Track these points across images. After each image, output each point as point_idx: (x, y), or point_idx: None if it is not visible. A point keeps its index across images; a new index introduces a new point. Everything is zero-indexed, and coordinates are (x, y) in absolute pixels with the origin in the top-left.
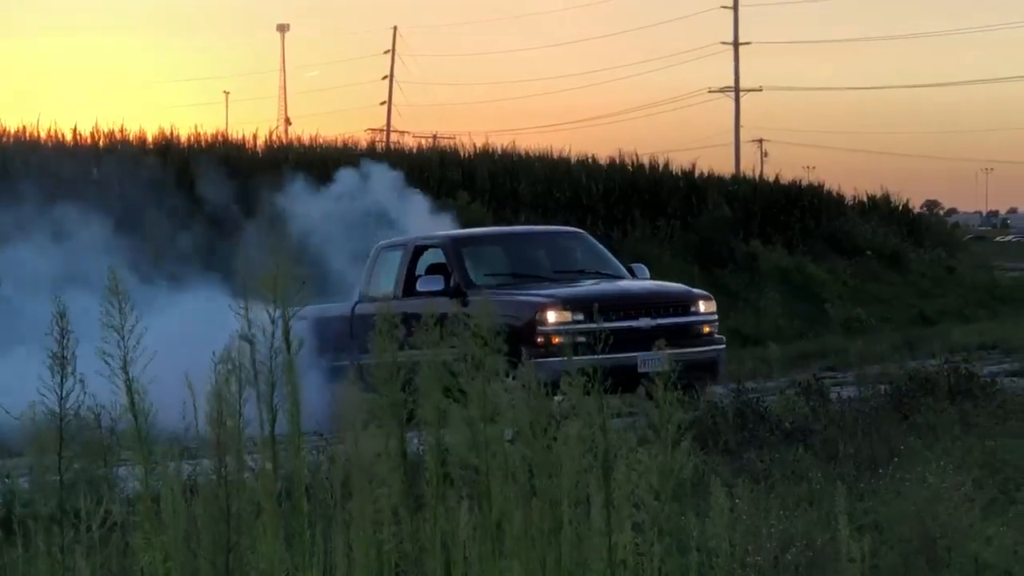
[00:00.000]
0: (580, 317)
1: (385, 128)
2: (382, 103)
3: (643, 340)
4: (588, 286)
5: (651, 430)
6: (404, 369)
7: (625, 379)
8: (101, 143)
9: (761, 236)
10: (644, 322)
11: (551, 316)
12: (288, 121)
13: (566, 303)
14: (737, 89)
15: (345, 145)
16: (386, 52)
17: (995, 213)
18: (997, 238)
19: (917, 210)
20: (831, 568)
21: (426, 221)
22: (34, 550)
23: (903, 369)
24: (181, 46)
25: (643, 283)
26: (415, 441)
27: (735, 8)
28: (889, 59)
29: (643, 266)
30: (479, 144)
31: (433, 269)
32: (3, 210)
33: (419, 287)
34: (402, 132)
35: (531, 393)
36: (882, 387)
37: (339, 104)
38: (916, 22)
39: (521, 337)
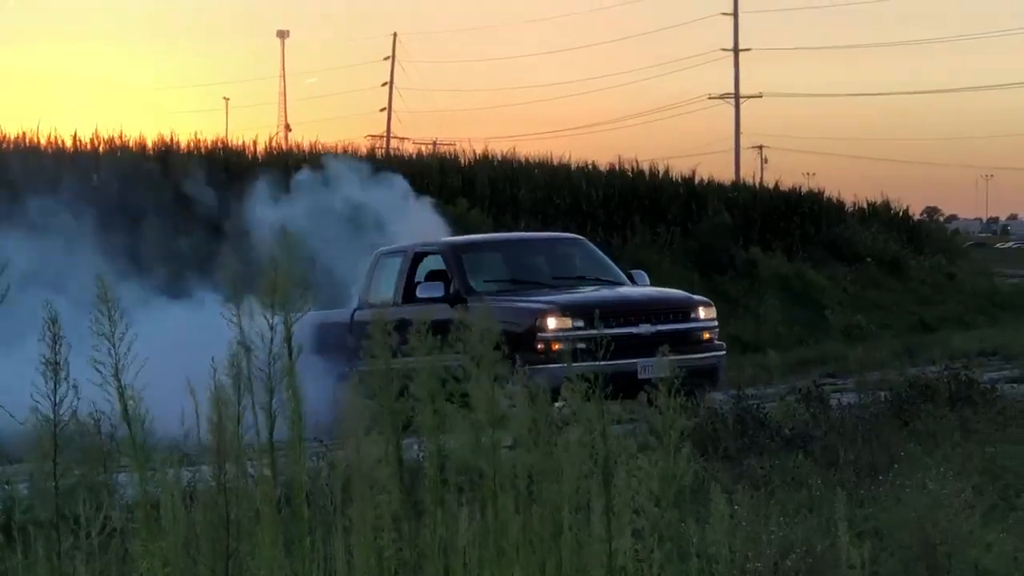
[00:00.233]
0: (580, 323)
1: (385, 134)
2: (382, 109)
3: (643, 346)
4: (588, 292)
5: (653, 436)
6: (400, 376)
7: (625, 385)
8: (101, 149)
9: (761, 243)
10: (644, 328)
11: (551, 322)
12: (288, 127)
13: (566, 310)
14: (737, 95)
15: (345, 151)
16: (386, 58)
17: (995, 220)
18: (997, 244)
19: (917, 217)
20: (831, 574)
21: (401, 210)
22: (34, 556)
23: (903, 376)
24: (181, 52)
25: (643, 289)
26: (415, 448)
27: (735, 14)
28: (889, 66)
29: (643, 272)
30: (479, 150)
31: (433, 275)
32: (3, 213)
33: (419, 293)
34: (402, 138)
35: (532, 399)
36: (882, 394)
37: (339, 110)
38: (915, 29)
39: (521, 343)
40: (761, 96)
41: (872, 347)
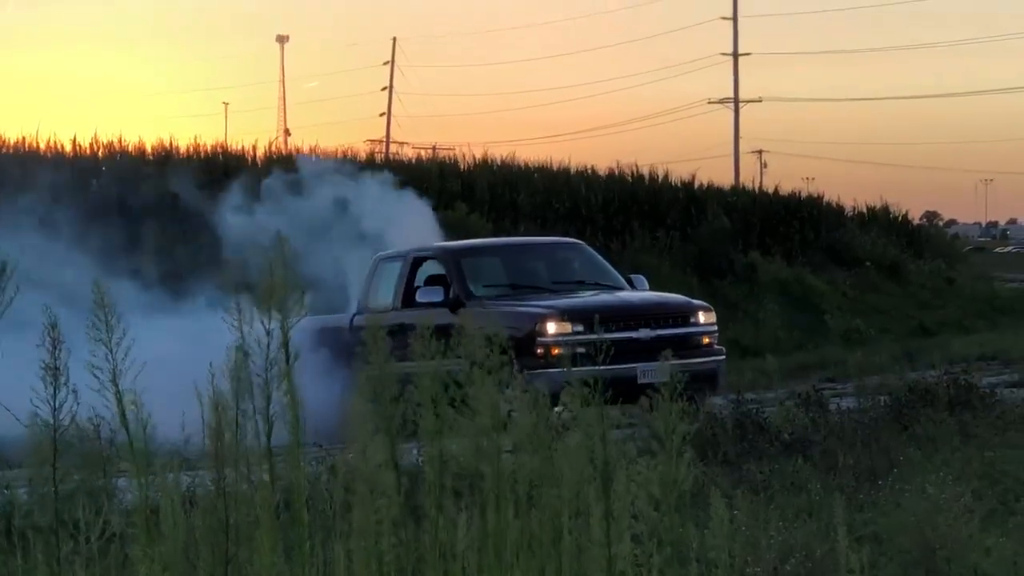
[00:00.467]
0: (580, 328)
1: (384, 139)
2: (381, 114)
3: (643, 351)
4: (587, 297)
5: (655, 440)
6: (397, 380)
7: (625, 390)
8: (100, 154)
9: (760, 247)
10: (644, 333)
11: (551, 327)
12: (287, 132)
13: (566, 314)
14: (736, 100)
15: (344, 156)
16: (385, 63)
17: (995, 224)
18: (997, 249)
19: (917, 221)
20: None
21: (379, 208)
22: (33, 561)
23: (902, 380)
24: (180, 57)
25: (642, 294)
26: (414, 452)
27: (734, 19)
28: (889, 70)
29: (642, 277)
30: (478, 155)
31: (432, 280)
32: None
33: (418, 298)
34: (401, 143)
35: (532, 403)
36: (881, 398)
37: (338, 115)
38: (915, 34)
39: (521, 348)
40: (761, 100)
41: (871, 352)
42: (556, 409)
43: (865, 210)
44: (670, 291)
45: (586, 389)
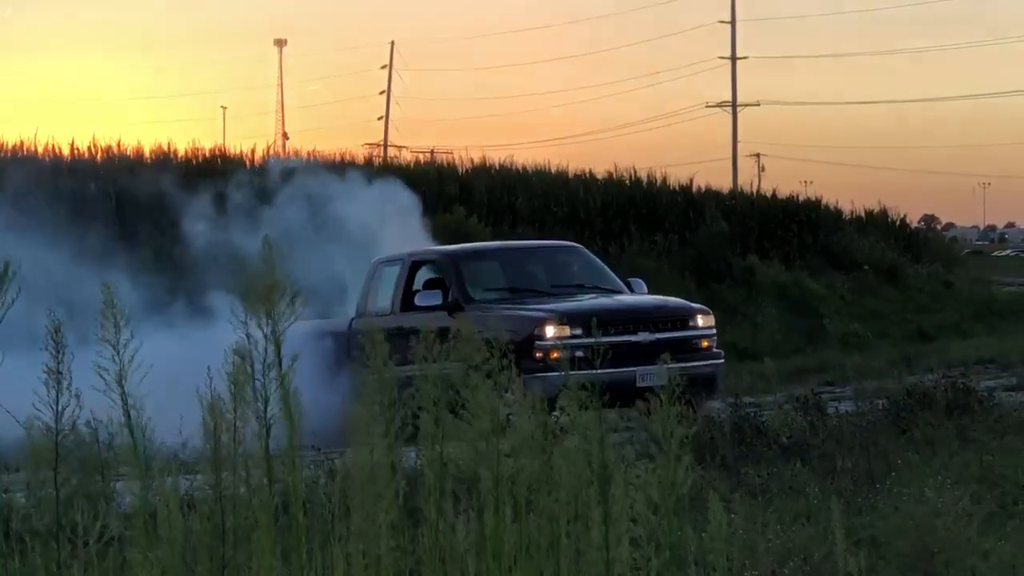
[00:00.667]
0: (579, 332)
1: (382, 143)
2: (379, 118)
3: (642, 355)
4: (586, 301)
5: (653, 444)
6: (397, 384)
7: (624, 394)
8: (99, 157)
9: (758, 251)
10: (643, 336)
11: (550, 331)
12: (285, 136)
13: (565, 318)
14: (735, 104)
15: (342, 160)
16: (383, 67)
17: (993, 228)
18: (995, 253)
19: (915, 225)
20: None
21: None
22: (31, 565)
23: (901, 384)
24: (179, 61)
25: (641, 297)
26: (412, 456)
27: (733, 23)
28: (887, 74)
29: (641, 281)
30: (476, 159)
31: (431, 284)
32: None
33: (417, 302)
34: (399, 147)
35: (532, 408)
36: (880, 402)
37: (336, 119)
38: (914, 37)
39: (520, 352)
40: (759, 104)
41: (870, 355)
42: (555, 413)
43: (863, 214)
44: (668, 295)
45: (584, 393)
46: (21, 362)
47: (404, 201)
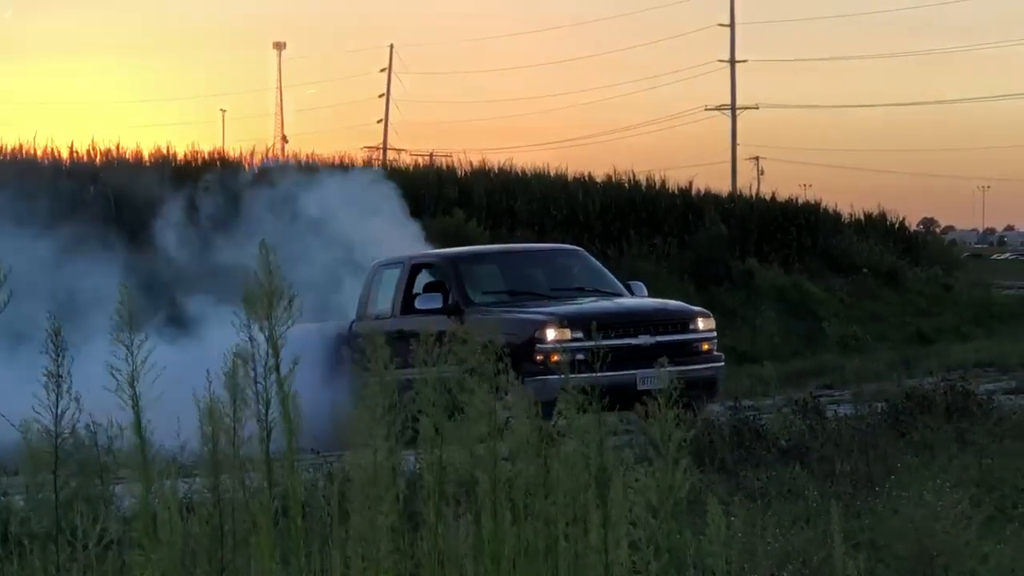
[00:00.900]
0: (579, 335)
1: (382, 146)
2: (378, 121)
3: (642, 358)
4: (587, 304)
5: (653, 448)
6: (397, 387)
7: (624, 397)
8: (98, 160)
9: (757, 254)
10: (643, 340)
11: (550, 334)
12: (284, 139)
13: (565, 321)
14: (734, 107)
15: (341, 162)
16: (382, 70)
17: (992, 231)
18: (994, 256)
19: (914, 228)
20: None
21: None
22: (30, 568)
23: (900, 387)
24: (178, 64)
25: (642, 300)
26: (411, 459)
27: (732, 26)
28: (886, 77)
29: (641, 284)
30: (475, 162)
31: (431, 287)
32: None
33: (418, 305)
34: (399, 150)
35: (533, 410)
36: (879, 405)
37: (335, 122)
38: (912, 40)
39: (520, 355)
40: (758, 107)
41: (869, 358)
42: (555, 416)
43: (862, 217)
44: (668, 298)
45: (584, 396)
46: (20, 363)
47: (387, 199)
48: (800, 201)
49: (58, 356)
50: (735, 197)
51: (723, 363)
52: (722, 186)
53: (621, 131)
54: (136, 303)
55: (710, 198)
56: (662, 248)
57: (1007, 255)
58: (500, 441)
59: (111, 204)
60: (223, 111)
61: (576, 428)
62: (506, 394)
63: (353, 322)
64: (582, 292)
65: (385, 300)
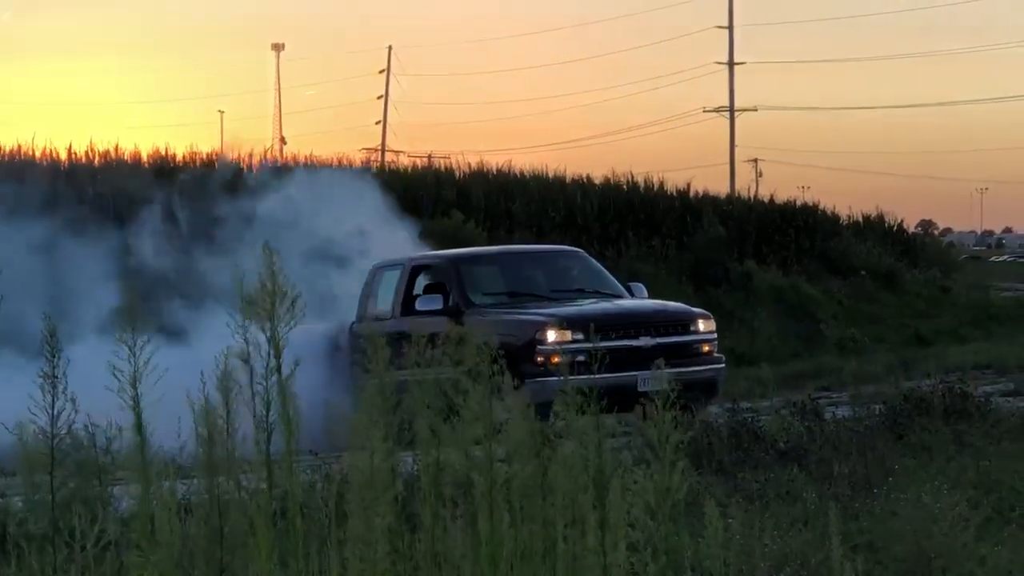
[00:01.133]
0: (580, 336)
1: (380, 147)
2: (377, 122)
3: (643, 359)
4: (587, 305)
5: (649, 449)
6: (397, 389)
7: (625, 398)
8: (96, 162)
9: (756, 256)
10: (644, 341)
11: (551, 335)
12: (283, 140)
13: (566, 322)
14: (732, 109)
15: (340, 164)
16: (381, 72)
17: (990, 233)
18: (992, 258)
19: (912, 230)
20: None
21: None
22: (28, 569)
23: (898, 389)
24: (177, 65)
25: (642, 302)
26: (409, 461)
27: (730, 28)
28: (884, 79)
29: (641, 285)
30: (474, 163)
31: (431, 288)
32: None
33: (418, 306)
34: (397, 151)
35: (533, 412)
36: (877, 407)
37: (334, 124)
38: (911, 43)
39: (521, 356)
40: (756, 109)
41: (867, 360)
42: (551, 422)
43: (860, 219)
44: (666, 299)
45: (583, 397)
46: (15, 364)
47: (364, 197)
48: (798, 203)
49: (53, 357)
50: (733, 199)
51: (724, 365)
52: (720, 188)
53: (619, 133)
54: (138, 304)
55: (708, 200)
56: (660, 250)
57: (1005, 257)
58: (497, 443)
59: (109, 204)
60: (221, 112)
61: (575, 430)
62: (503, 397)
63: (353, 323)
64: (582, 293)
65: (385, 301)
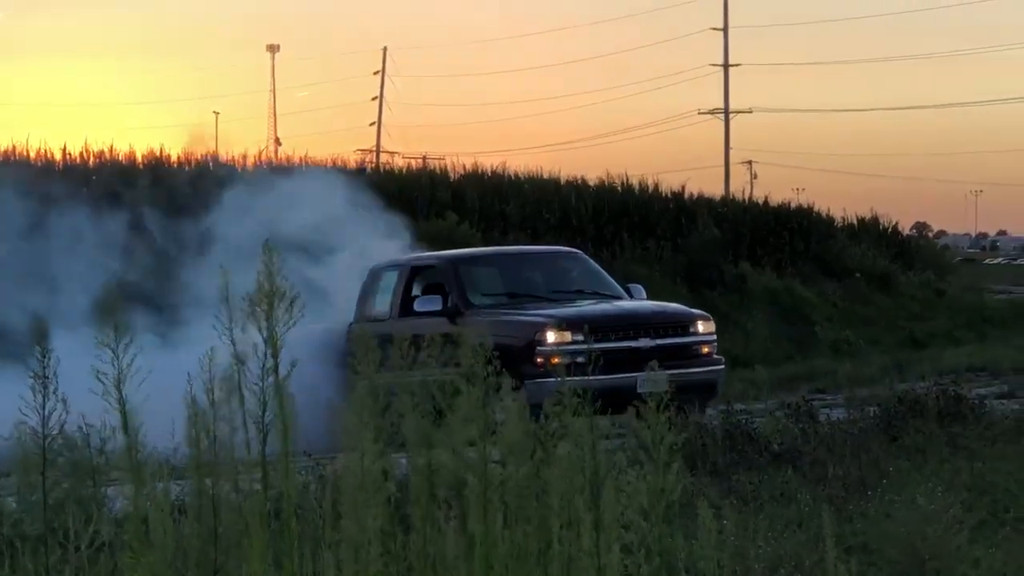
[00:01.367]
0: (579, 338)
1: (375, 149)
2: (372, 123)
3: (643, 360)
4: (587, 306)
5: (643, 451)
6: (387, 390)
7: (624, 399)
8: (91, 162)
9: (750, 258)
10: (643, 343)
11: (551, 336)
12: (278, 141)
13: (565, 323)
14: (727, 111)
15: (334, 165)
16: (376, 73)
17: (984, 235)
18: (986, 260)
19: (906, 232)
20: None
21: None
22: (23, 570)
23: (892, 391)
24: (171, 66)
25: (642, 303)
26: (403, 462)
27: (725, 30)
28: (879, 81)
29: (640, 287)
30: (468, 165)
31: (430, 289)
32: None
33: (417, 307)
34: (392, 153)
35: (530, 413)
36: (871, 409)
37: (329, 125)
38: (906, 45)
39: (521, 357)
40: (751, 111)
41: (861, 363)
42: (542, 422)
43: (855, 221)
44: (662, 301)
45: (582, 398)
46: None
47: (334, 195)
48: (793, 205)
49: (44, 358)
50: (728, 201)
51: (723, 366)
52: (715, 190)
53: (614, 135)
54: (121, 304)
55: (703, 202)
56: (655, 252)
57: (999, 260)
58: (492, 444)
59: (103, 205)
60: (216, 113)
61: (571, 431)
62: (501, 398)
63: (350, 324)
64: (582, 295)
65: (383, 302)
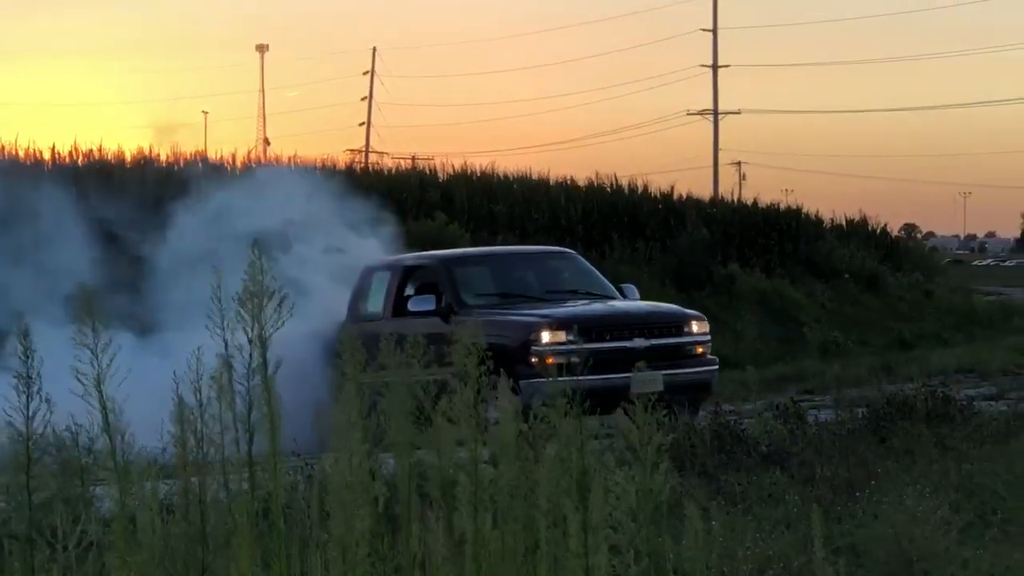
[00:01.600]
0: (573, 337)
1: (364, 149)
2: (361, 124)
3: (637, 360)
4: (581, 306)
5: (631, 451)
6: (376, 390)
7: (618, 400)
8: (80, 162)
9: (739, 259)
10: (638, 343)
11: (545, 336)
12: (267, 141)
13: (560, 323)
14: (716, 112)
15: (324, 165)
16: (365, 73)
17: (973, 237)
18: (975, 262)
19: (895, 234)
20: None
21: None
22: (10, 570)
23: (880, 392)
24: (160, 66)
25: (635, 304)
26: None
27: (714, 31)
28: (868, 83)
29: (632, 287)
30: (457, 165)
31: (423, 289)
32: None
33: (410, 307)
34: (381, 153)
35: (523, 413)
36: (859, 410)
37: (318, 125)
38: (894, 46)
39: (515, 357)
40: (740, 112)
41: (850, 364)
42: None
43: (844, 222)
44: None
45: (573, 399)
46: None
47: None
48: (782, 206)
49: (27, 358)
50: (717, 202)
51: (717, 366)
52: (704, 191)
53: (603, 135)
54: (100, 302)
55: (692, 203)
56: (644, 252)
57: (988, 261)
58: (482, 444)
59: (92, 205)
60: (205, 113)
61: (559, 432)
62: (495, 397)
63: (343, 324)
64: (575, 295)
65: (376, 303)
